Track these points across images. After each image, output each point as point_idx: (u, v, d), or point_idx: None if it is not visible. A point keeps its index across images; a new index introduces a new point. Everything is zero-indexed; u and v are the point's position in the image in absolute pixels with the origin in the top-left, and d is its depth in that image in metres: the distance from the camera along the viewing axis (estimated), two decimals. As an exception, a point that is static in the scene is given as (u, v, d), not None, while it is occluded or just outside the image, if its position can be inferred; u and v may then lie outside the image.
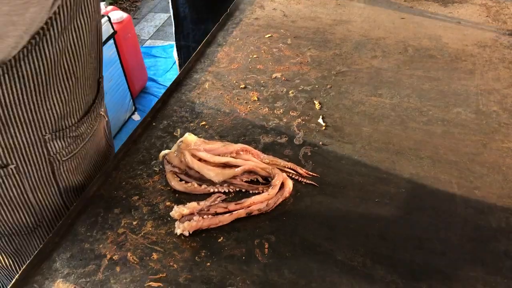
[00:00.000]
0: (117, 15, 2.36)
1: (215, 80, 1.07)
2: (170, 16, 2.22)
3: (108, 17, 2.19)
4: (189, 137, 0.83)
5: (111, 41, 2.23)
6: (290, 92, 1.02)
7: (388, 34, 1.18)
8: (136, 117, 2.54)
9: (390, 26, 1.21)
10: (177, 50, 1.91)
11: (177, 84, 1.07)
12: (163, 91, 2.71)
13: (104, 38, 2.15)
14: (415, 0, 1.31)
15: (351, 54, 1.12)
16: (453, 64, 1.07)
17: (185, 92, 1.04)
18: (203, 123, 0.95)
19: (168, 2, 1.80)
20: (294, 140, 0.90)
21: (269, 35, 1.22)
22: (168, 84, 2.62)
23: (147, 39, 3.24)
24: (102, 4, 2.39)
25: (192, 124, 0.95)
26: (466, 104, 0.95)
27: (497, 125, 0.90)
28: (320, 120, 0.94)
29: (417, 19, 1.23)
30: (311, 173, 0.82)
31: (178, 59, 1.95)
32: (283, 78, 1.06)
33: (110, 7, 2.45)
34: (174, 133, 0.93)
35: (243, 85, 1.05)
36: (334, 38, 1.18)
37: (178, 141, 0.83)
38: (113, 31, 2.21)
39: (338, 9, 1.30)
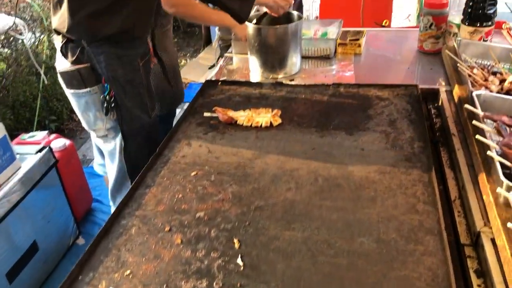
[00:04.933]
0: (60, 143, 2.44)
1: (141, 224, 1.14)
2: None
3: (50, 147, 2.27)
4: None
5: (53, 170, 2.28)
6: (212, 231, 1.10)
7: (301, 165, 1.31)
8: (81, 241, 2.52)
9: (302, 157, 1.34)
10: None
11: (105, 232, 1.12)
12: (108, 211, 2.74)
13: (45, 169, 2.21)
14: (324, 130, 1.47)
15: (268, 188, 1.23)
16: (358, 192, 1.19)
17: (112, 239, 1.10)
18: (127, 272, 1.00)
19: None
20: (214, 283, 0.95)
21: (195, 172, 1.32)
22: (112, 204, 2.64)
23: (93, 159, 3.30)
24: (45, 133, 2.47)
25: (116, 275, 0.99)
26: (369, 233, 1.06)
27: (396, 252, 1.00)
28: (239, 260, 1.01)
29: (326, 148, 1.38)
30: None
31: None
32: (206, 218, 1.14)
33: (53, 135, 2.54)
34: (99, 286, 0.97)
35: (168, 228, 1.12)
36: (253, 172, 1.30)
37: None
38: (55, 160, 2.28)
39: (258, 142, 1.44)
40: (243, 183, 1.26)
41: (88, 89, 1.67)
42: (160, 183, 1.29)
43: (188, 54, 5.21)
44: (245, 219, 1.13)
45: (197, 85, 4.24)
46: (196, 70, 4.57)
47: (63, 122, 3.76)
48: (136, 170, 1.84)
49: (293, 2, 1.93)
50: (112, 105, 1.68)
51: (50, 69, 3.51)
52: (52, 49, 3.62)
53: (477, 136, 1.15)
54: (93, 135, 1.87)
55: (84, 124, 1.82)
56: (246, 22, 1.83)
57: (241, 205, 1.18)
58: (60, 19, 1.60)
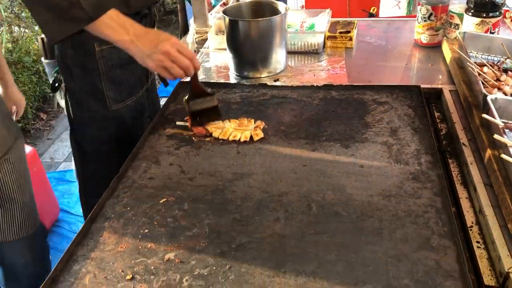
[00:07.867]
0: (19, 151, 2.18)
1: (97, 270, 0.93)
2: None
3: (6, 157, 2.01)
4: None
5: (11, 182, 2.03)
6: (184, 280, 0.89)
7: (290, 187, 1.11)
8: (47, 258, 2.28)
9: (292, 177, 1.14)
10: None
11: (52, 281, 0.91)
12: (77, 222, 2.51)
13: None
14: (316, 142, 1.27)
15: (252, 219, 1.03)
16: (360, 222, 1.00)
17: (61, 294, 0.88)
18: None
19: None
20: None
21: (164, 199, 1.10)
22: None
23: (61, 162, 3.05)
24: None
25: None
26: (376, 279, 0.86)
27: (411, 306, 0.81)
28: (217, 321, 0.81)
29: (320, 166, 1.18)
30: None
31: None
32: (177, 260, 0.94)
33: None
34: None
35: (130, 275, 0.91)
36: (234, 198, 1.09)
37: None
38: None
39: (239, 159, 1.23)
40: (222, 212, 1.06)
41: (48, 60, 1.54)
42: (122, 214, 1.07)
43: (165, 45, 4.93)
44: (225, 262, 0.93)
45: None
46: (173, 62, 4.28)
47: (28, 121, 3.46)
48: (90, 170, 1.59)
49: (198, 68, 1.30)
50: (56, 84, 1.53)
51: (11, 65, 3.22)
52: (13, 42, 3.33)
53: (503, 156, 0.96)
54: None
55: None
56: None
57: (220, 242, 0.98)
58: None
